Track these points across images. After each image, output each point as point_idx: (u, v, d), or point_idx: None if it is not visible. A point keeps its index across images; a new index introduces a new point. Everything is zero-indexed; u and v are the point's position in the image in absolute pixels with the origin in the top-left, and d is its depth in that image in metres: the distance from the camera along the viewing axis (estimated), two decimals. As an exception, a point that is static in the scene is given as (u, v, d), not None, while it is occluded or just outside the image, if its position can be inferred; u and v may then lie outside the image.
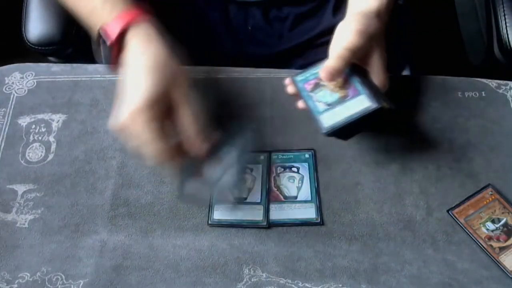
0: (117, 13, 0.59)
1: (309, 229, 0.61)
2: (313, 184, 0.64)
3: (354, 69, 0.61)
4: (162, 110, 0.56)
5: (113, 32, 0.58)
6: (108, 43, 0.58)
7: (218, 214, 0.62)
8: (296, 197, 0.63)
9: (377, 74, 0.61)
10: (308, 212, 0.62)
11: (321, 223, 0.61)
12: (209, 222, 0.61)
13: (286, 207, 0.62)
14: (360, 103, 0.59)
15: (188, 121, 0.57)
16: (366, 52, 0.60)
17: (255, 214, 0.62)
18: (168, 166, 0.57)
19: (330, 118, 0.59)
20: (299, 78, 0.64)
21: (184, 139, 0.57)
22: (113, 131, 0.57)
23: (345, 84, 0.61)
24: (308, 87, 0.63)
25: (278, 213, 0.62)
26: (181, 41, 0.59)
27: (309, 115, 0.61)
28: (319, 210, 0.62)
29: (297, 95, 0.64)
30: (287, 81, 0.65)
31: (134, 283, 0.58)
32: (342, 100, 0.60)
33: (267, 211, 0.62)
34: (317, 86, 0.63)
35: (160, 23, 0.61)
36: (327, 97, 0.61)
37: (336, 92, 0.61)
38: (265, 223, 0.61)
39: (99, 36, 0.59)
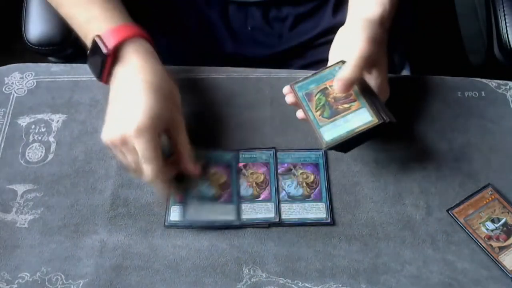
0: (117, 25, 0.59)
1: (309, 229, 0.61)
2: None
3: None
4: (161, 128, 0.56)
5: (110, 42, 0.57)
6: (104, 51, 0.57)
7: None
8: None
9: (379, 83, 0.61)
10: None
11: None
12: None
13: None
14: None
15: (185, 141, 0.58)
16: (374, 61, 0.60)
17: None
18: (162, 185, 0.58)
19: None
20: (298, 85, 0.63)
21: (179, 157, 0.59)
22: (106, 144, 0.57)
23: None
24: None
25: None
26: (181, 41, 0.60)
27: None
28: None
29: (297, 104, 0.62)
30: (286, 89, 0.64)
31: (134, 283, 0.58)
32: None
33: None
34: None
35: (161, 24, 0.61)
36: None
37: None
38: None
39: (93, 44, 0.59)
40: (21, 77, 0.72)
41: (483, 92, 0.72)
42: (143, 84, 0.56)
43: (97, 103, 0.70)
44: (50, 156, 0.66)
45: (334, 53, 0.64)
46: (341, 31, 0.64)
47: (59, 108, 0.70)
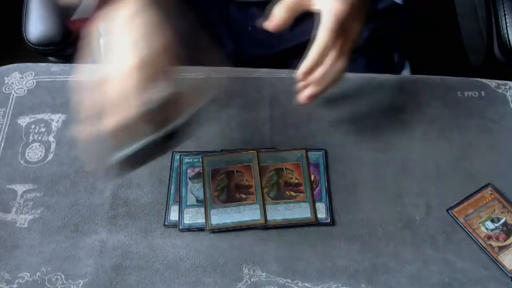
0: None
1: (309, 229, 0.61)
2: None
3: None
4: (150, 75, 0.53)
5: None
6: None
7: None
8: None
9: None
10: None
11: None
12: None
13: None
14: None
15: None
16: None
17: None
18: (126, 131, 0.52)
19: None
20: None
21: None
22: (95, 82, 0.52)
23: None
24: None
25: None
26: (181, 40, 0.59)
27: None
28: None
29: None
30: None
31: (134, 283, 0.58)
32: None
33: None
34: None
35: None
36: None
37: None
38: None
39: None
40: (21, 77, 0.72)
41: (483, 92, 0.72)
42: (139, 25, 0.54)
43: (97, 103, 0.70)
44: (50, 156, 0.66)
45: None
46: None
47: (59, 108, 0.70)
